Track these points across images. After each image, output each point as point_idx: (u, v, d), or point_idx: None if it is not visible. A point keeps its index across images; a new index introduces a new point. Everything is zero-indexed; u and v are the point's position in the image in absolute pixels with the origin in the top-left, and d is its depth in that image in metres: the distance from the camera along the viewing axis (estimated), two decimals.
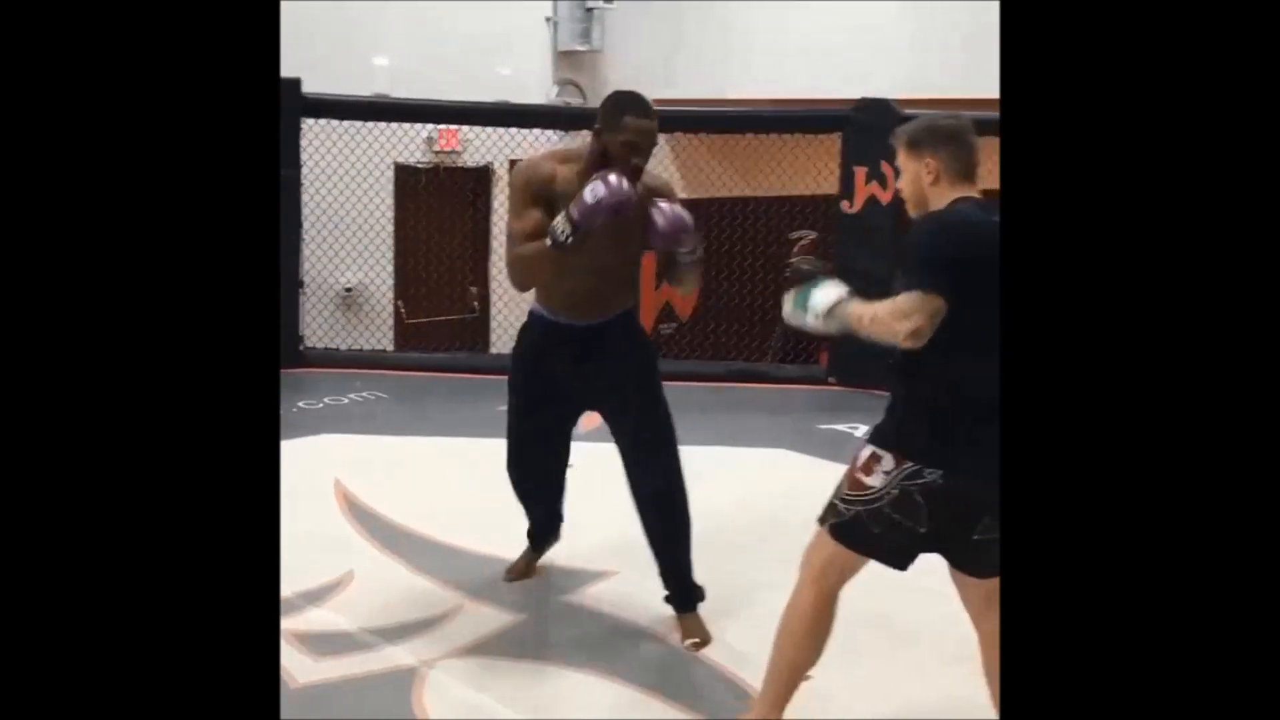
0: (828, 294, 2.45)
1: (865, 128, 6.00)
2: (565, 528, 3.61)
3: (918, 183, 2.38)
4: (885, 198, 6.00)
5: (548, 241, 2.82)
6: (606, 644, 3.16)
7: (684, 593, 3.22)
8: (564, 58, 8.42)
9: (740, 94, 8.39)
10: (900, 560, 2.41)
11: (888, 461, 2.34)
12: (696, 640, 3.12)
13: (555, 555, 3.64)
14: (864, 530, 2.37)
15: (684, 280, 3.03)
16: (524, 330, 3.27)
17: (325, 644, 3.07)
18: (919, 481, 2.30)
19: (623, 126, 2.86)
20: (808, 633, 2.45)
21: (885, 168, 5.98)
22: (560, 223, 2.79)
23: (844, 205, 6.21)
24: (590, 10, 8.27)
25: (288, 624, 3.15)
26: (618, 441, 3.21)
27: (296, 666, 2.94)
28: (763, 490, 4.47)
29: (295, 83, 6.16)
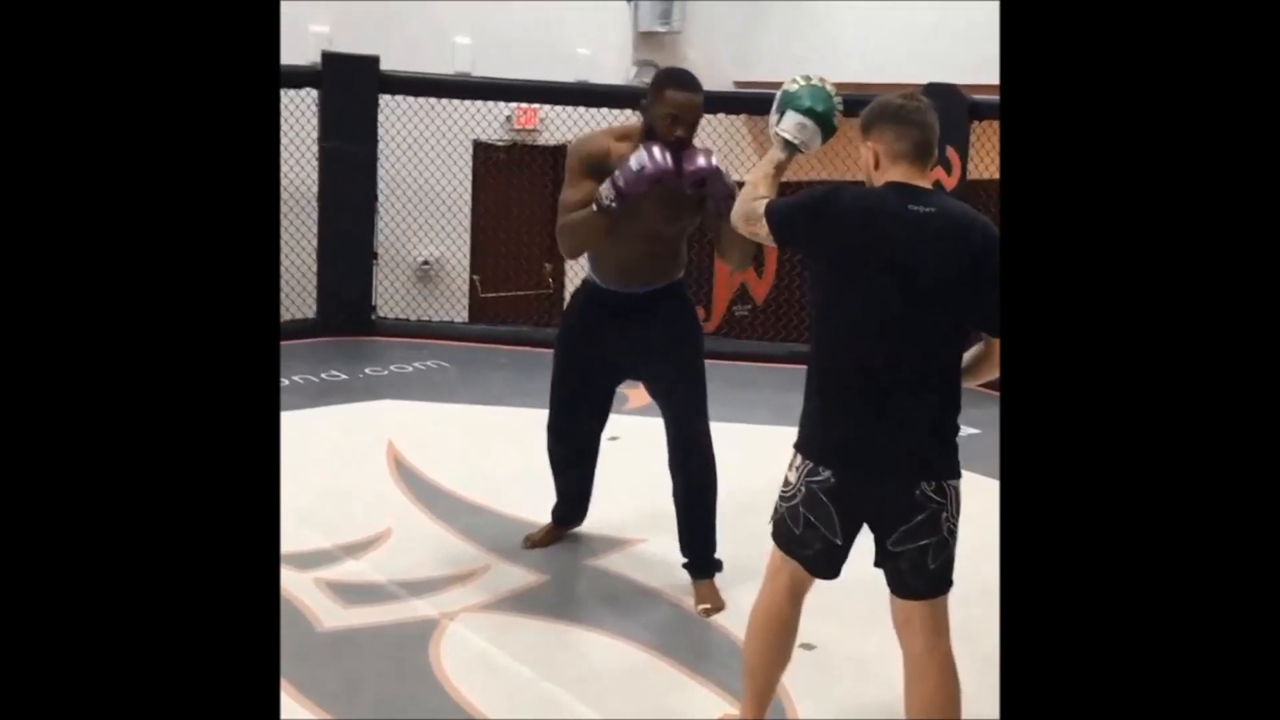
0: (791, 122, 2.46)
1: None
2: (601, 496, 3.71)
3: (866, 167, 2.31)
4: (950, 183, 5.97)
5: (593, 207, 3.01)
6: (622, 606, 3.27)
7: (700, 561, 3.32)
8: (644, 39, 8.50)
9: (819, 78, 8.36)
10: (823, 568, 2.33)
11: (798, 457, 2.30)
12: (708, 606, 3.21)
13: (586, 521, 3.74)
14: (788, 530, 2.31)
15: (727, 253, 3.10)
16: (574, 295, 3.45)
17: (355, 593, 3.24)
18: (817, 479, 2.25)
19: (664, 100, 3.00)
20: (762, 634, 2.39)
21: (950, 153, 5.95)
22: (606, 188, 2.98)
23: None
24: None
25: (323, 573, 3.33)
26: (659, 405, 3.33)
27: (325, 612, 3.11)
28: None
29: (374, 60, 6.36)
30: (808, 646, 3.02)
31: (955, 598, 2.33)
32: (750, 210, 2.40)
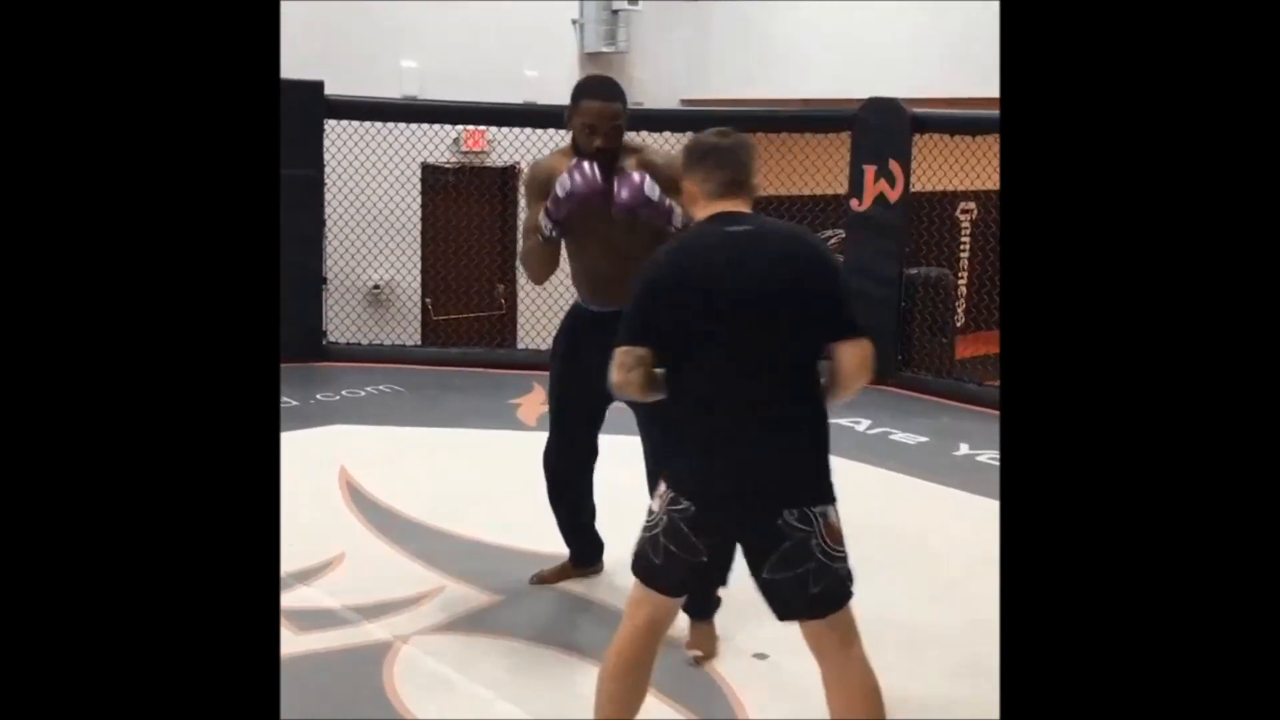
0: None
1: (873, 127, 6.06)
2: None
3: (689, 205, 2.36)
4: (893, 196, 6.06)
5: (539, 237, 3.00)
6: (577, 625, 3.29)
7: (699, 600, 3.07)
8: (590, 59, 8.55)
9: (765, 94, 8.47)
10: (690, 588, 2.32)
11: (662, 485, 2.28)
12: (699, 654, 3.06)
13: (540, 540, 3.73)
14: (647, 561, 2.27)
15: None
16: (564, 319, 3.36)
17: (309, 619, 3.22)
18: (678, 509, 2.21)
19: (579, 110, 2.99)
20: (617, 672, 2.30)
21: (894, 166, 6.05)
22: (542, 219, 2.98)
23: (853, 204, 6.28)
24: (616, 12, 8.40)
25: None
26: (640, 433, 3.16)
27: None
28: None
29: (318, 85, 6.36)
30: (760, 656, 3.05)
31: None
32: (629, 380, 2.26)
